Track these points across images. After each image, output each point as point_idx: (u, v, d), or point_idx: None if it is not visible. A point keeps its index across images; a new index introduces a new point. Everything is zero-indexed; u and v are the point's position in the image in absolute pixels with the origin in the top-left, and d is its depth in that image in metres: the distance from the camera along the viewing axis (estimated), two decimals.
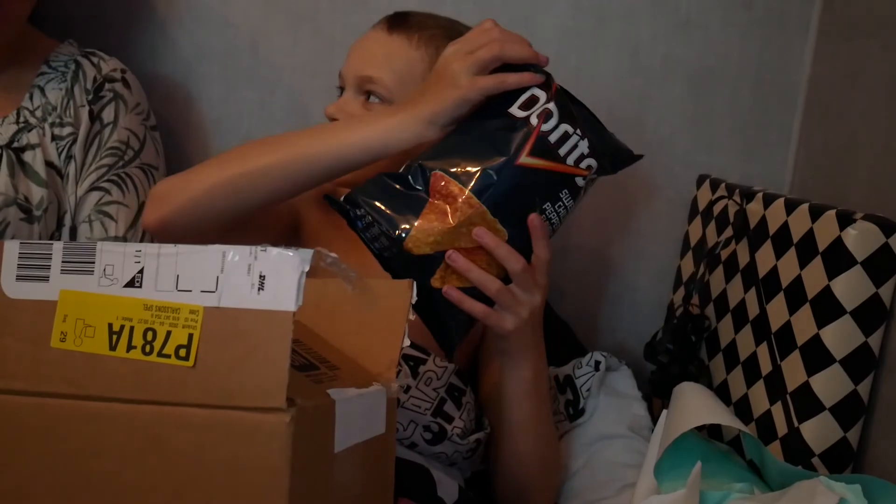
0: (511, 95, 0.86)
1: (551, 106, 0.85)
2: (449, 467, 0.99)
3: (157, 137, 1.19)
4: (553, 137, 0.84)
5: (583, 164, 0.85)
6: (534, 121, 0.84)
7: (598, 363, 1.10)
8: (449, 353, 0.89)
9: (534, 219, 0.83)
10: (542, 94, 0.86)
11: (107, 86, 1.12)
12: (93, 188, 1.09)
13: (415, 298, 0.67)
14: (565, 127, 0.85)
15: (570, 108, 0.86)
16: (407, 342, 0.65)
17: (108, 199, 1.09)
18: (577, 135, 0.85)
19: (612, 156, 0.89)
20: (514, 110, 0.86)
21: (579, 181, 0.86)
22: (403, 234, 0.82)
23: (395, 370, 0.64)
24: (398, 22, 1.04)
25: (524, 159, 0.83)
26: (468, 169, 0.83)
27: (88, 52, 1.15)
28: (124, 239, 1.09)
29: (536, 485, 0.99)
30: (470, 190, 0.82)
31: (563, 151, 0.84)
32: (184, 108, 1.34)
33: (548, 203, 0.85)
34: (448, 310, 0.84)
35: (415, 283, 0.69)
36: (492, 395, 1.04)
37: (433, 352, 0.98)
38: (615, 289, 1.33)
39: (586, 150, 0.85)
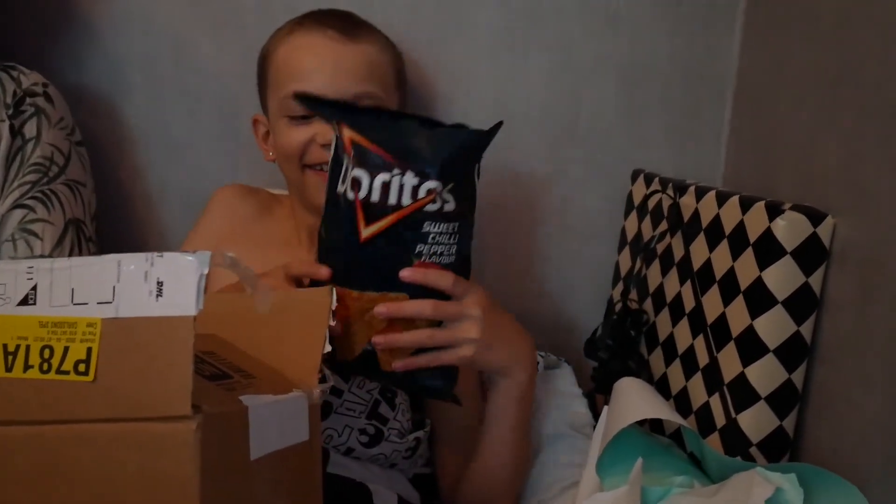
0: (334, 174, 0.86)
1: (356, 172, 0.82)
2: (389, 470, 0.97)
3: (84, 153, 1.16)
4: (375, 197, 0.81)
5: (422, 193, 0.81)
6: (350, 195, 0.82)
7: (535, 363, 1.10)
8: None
9: (405, 274, 0.82)
10: (344, 159, 0.84)
11: (28, 100, 1.08)
12: (16, 206, 1.05)
13: (335, 304, 0.66)
14: (381, 178, 0.81)
15: (371, 156, 0.82)
16: (328, 348, 0.64)
17: (33, 217, 1.05)
18: (398, 173, 0.81)
19: (457, 153, 0.83)
20: (340, 189, 0.84)
21: (431, 207, 0.82)
22: (332, 349, 0.78)
23: (316, 376, 0.63)
24: (354, 30, 1.03)
25: (365, 233, 0.82)
26: (337, 267, 0.84)
27: (7, 65, 1.11)
28: (50, 258, 1.05)
29: (507, 492, 1.00)
30: (348, 287, 0.82)
31: (393, 200, 0.81)
32: (108, 120, 1.30)
33: (420, 245, 0.82)
34: (417, 376, 0.85)
35: (334, 289, 0.69)
36: (438, 407, 1.03)
37: None
38: (555, 286, 1.32)
39: (416, 181, 0.81)
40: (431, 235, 0.82)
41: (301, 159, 1.03)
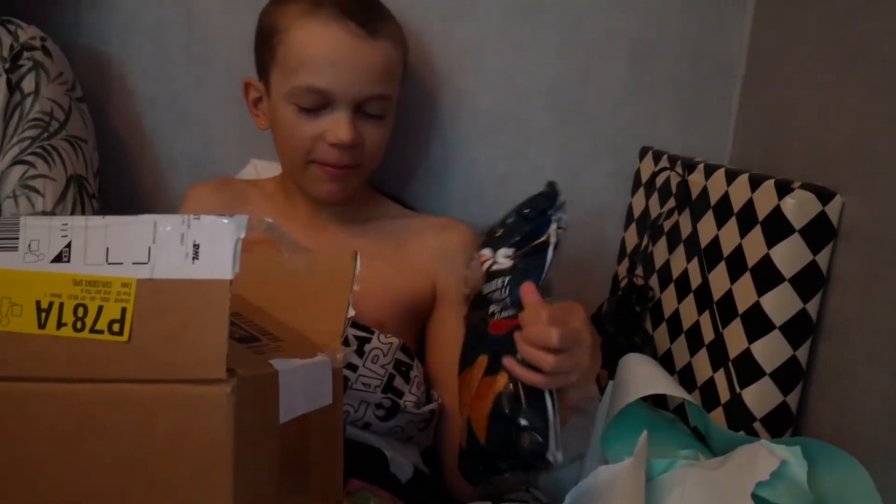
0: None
1: None
2: (405, 444, 0.98)
3: (85, 110, 1.15)
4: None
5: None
6: None
7: None
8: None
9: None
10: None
11: (25, 54, 1.07)
12: (16, 162, 1.04)
13: (359, 269, 0.66)
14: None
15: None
16: (352, 313, 0.65)
17: (34, 173, 1.04)
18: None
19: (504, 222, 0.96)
20: None
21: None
22: None
23: (339, 341, 0.63)
24: (375, 24, 1.01)
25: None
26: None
27: (4, 19, 1.09)
28: (52, 214, 1.05)
29: None
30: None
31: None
32: (116, 86, 1.30)
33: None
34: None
35: (357, 253, 0.69)
36: (442, 371, 1.04)
37: (377, 329, 0.97)
38: (561, 261, 1.33)
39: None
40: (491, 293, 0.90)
41: (307, 153, 1.02)
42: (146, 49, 1.28)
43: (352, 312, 0.65)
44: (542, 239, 0.89)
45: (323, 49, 0.98)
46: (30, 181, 1.04)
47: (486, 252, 0.93)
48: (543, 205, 0.92)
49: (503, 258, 0.91)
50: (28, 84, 1.06)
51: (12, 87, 1.05)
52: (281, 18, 1.02)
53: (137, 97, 1.30)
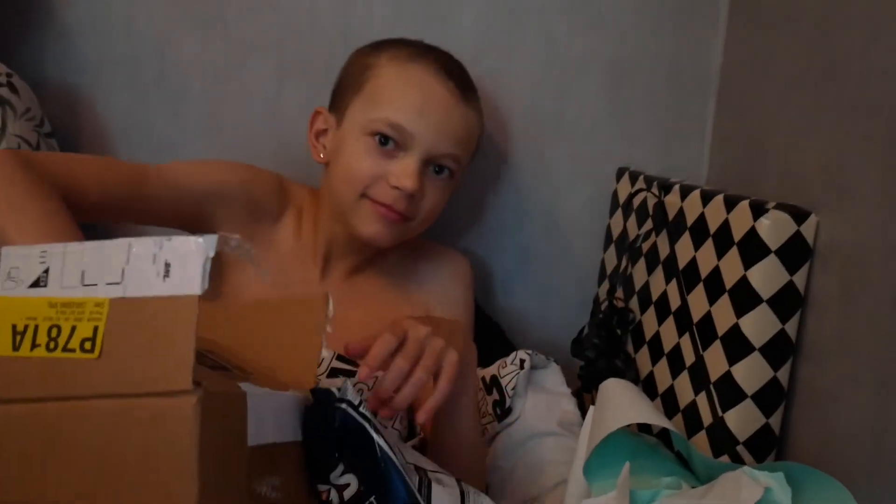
0: None
1: None
2: None
3: (55, 144, 1.14)
4: None
5: None
6: None
7: (522, 361, 1.10)
8: None
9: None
10: None
11: None
12: None
13: (332, 311, 0.65)
14: None
15: None
16: (325, 354, 0.64)
17: None
18: None
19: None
20: None
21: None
22: None
23: (312, 379, 0.63)
24: (468, 91, 1.06)
25: None
26: None
27: None
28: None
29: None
30: None
31: None
32: (89, 119, 1.29)
33: None
34: None
35: (329, 295, 0.67)
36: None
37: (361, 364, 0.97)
38: (542, 285, 1.33)
39: None
40: None
41: (364, 188, 1.01)
42: (118, 81, 1.28)
43: (325, 354, 0.64)
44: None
45: (416, 92, 1.01)
46: None
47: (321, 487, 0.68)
48: (321, 415, 0.67)
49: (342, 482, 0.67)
50: None
51: None
52: (380, 56, 1.05)
53: (110, 130, 1.29)
